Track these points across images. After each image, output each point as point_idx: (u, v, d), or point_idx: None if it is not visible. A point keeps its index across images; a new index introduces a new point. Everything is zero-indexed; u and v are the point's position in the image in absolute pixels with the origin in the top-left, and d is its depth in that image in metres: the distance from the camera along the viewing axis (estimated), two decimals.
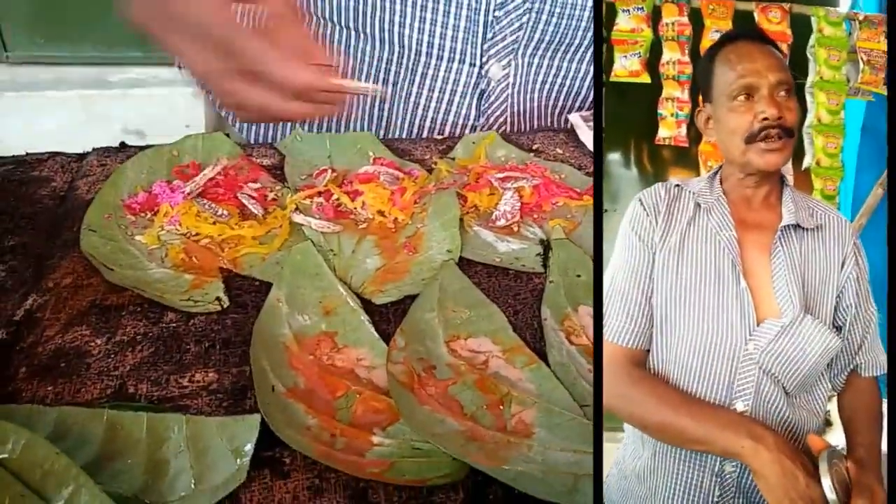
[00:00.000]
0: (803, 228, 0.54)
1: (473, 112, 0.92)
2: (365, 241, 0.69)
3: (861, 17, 0.97)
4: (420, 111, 0.91)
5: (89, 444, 0.48)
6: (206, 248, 0.67)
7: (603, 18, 0.90)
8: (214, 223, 0.69)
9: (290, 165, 0.79)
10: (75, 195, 0.74)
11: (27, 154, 0.81)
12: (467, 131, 0.92)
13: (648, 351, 0.55)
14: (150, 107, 2.74)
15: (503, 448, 0.49)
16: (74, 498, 0.42)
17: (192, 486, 0.46)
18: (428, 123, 0.92)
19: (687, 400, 0.51)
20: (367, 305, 0.63)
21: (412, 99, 0.91)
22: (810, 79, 0.97)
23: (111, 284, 0.63)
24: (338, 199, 0.73)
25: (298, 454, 0.49)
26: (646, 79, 0.93)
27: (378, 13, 0.86)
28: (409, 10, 0.85)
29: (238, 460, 0.47)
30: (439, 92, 0.90)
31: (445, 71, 0.89)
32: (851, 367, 0.56)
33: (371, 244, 0.69)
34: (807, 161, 0.97)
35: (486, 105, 0.92)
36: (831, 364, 0.54)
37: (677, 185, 0.57)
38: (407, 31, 0.86)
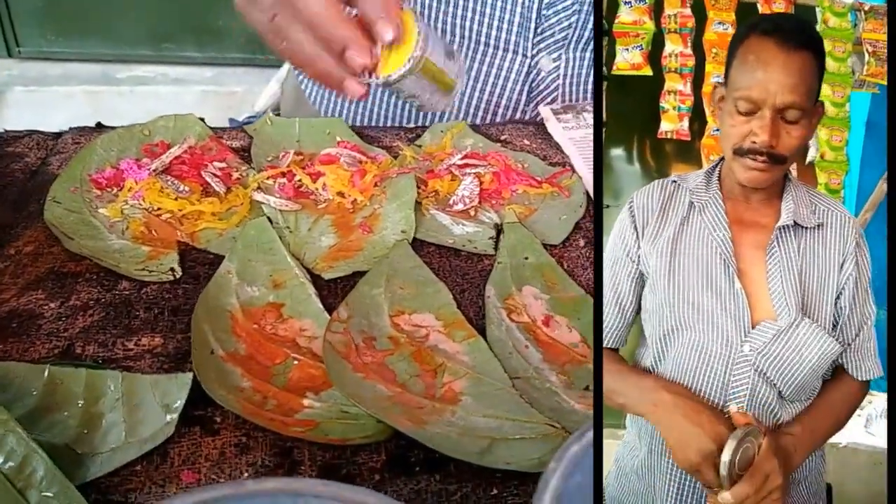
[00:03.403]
0: (803, 227, 0.53)
1: (524, 98, 0.99)
2: (322, 220, 0.71)
3: (867, 8, 0.94)
4: (476, 94, 0.99)
5: (28, 396, 0.50)
6: (165, 223, 0.69)
7: (603, 11, 0.90)
8: (176, 199, 0.70)
9: (256, 147, 0.81)
10: (46, 170, 0.77)
11: (5, 131, 0.84)
12: (517, 116, 1.00)
13: (618, 349, 0.57)
14: (157, 104, 2.78)
15: (428, 413, 0.51)
16: (1, 442, 0.44)
17: (123, 438, 0.48)
18: (483, 106, 1.00)
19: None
20: (317, 280, 0.64)
21: (469, 84, 0.98)
22: None
23: (71, 253, 0.65)
24: (300, 180, 0.75)
25: (230, 414, 0.51)
26: (648, 72, 0.92)
27: (442, 6, 0.94)
28: (469, 3, 0.93)
29: (168, 416, 0.49)
30: (494, 78, 0.98)
31: (500, 60, 0.96)
32: (838, 363, 0.55)
33: (327, 223, 0.71)
34: (811, 154, 0.95)
35: (536, 93, 0.99)
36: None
37: (674, 182, 0.56)
38: (468, 24, 0.95)
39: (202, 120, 0.86)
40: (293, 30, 0.59)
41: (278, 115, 0.96)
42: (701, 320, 0.52)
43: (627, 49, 0.93)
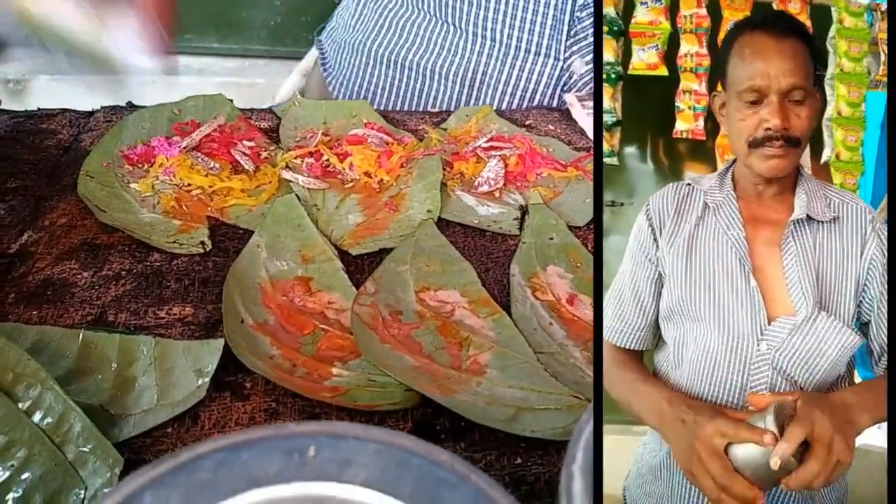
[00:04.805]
0: (818, 221, 0.53)
1: (555, 102, 0.99)
2: (349, 198, 0.72)
3: (883, 8, 0.95)
4: (507, 98, 0.99)
5: (64, 359, 0.51)
6: (196, 198, 0.70)
7: (602, 13, 0.91)
8: (206, 175, 0.72)
9: (285, 128, 0.82)
10: (79, 146, 0.78)
11: (39, 109, 0.85)
12: None
13: (643, 351, 0.56)
14: (179, 94, 2.81)
15: (454, 382, 0.51)
16: (40, 399, 0.45)
17: (155, 400, 0.49)
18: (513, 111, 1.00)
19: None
20: (345, 256, 0.65)
21: (500, 87, 0.99)
22: (830, 71, 0.94)
23: (103, 225, 0.66)
24: (327, 160, 0.75)
25: (260, 380, 0.52)
26: (663, 72, 0.93)
27: (474, 10, 0.95)
28: (502, 7, 0.94)
29: (199, 380, 0.50)
30: (525, 82, 0.98)
31: (532, 63, 0.97)
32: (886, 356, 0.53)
33: (354, 202, 0.71)
34: (826, 154, 0.95)
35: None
36: (871, 354, 0.53)
37: (688, 184, 0.57)
38: (499, 27, 0.95)
39: (231, 101, 0.87)
40: None
41: None
42: (718, 319, 0.52)
43: (643, 49, 0.94)
